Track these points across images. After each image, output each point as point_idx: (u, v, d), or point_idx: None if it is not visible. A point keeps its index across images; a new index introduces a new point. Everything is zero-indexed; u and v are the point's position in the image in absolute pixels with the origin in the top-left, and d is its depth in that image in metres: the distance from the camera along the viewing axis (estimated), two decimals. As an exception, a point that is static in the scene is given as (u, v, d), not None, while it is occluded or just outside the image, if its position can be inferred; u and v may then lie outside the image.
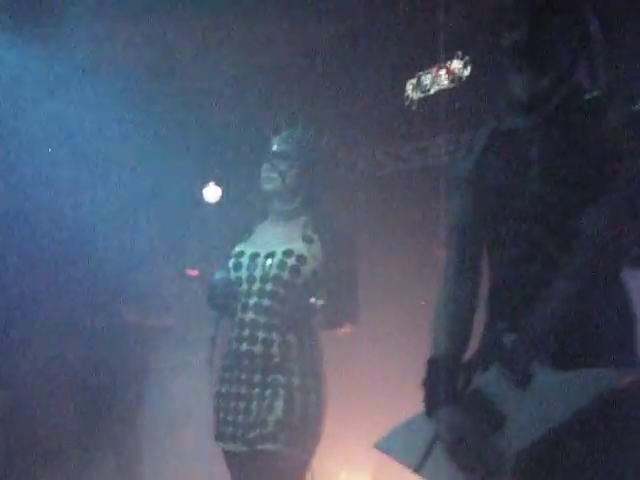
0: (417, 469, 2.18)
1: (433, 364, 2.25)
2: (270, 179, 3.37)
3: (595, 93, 2.13)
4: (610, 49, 2.20)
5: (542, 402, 1.98)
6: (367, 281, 3.42)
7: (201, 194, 5.99)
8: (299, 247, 3.26)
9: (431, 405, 2.20)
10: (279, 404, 3.12)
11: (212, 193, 5.96)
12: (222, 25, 4.63)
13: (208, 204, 6.01)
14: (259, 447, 3.11)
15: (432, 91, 5.42)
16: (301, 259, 3.24)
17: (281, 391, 3.14)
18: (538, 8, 2.06)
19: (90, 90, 4.77)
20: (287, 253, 3.25)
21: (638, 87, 1.99)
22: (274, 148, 3.40)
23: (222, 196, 5.91)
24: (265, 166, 3.40)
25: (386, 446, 2.31)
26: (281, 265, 3.23)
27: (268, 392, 3.15)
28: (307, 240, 3.27)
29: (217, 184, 5.90)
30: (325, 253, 3.26)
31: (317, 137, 3.44)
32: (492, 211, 2.20)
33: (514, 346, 2.05)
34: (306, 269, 3.24)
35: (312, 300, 3.18)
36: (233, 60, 5.08)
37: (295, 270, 3.22)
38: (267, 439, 3.10)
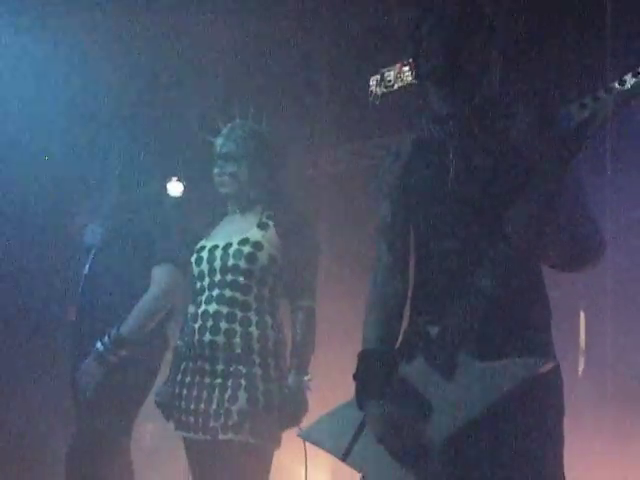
0: (344, 457, 2.27)
1: (364, 358, 2.35)
2: (223, 182, 3.38)
3: (505, 101, 2.34)
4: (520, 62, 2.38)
5: (466, 391, 2.09)
6: (328, 277, 3.46)
7: (165, 189, 6.00)
8: (254, 234, 3.29)
9: (362, 399, 2.29)
10: (242, 394, 3.14)
11: (175, 188, 5.97)
12: (186, 22, 4.63)
13: (171, 199, 6.02)
14: (222, 437, 3.13)
15: (395, 87, 5.46)
16: (257, 245, 3.27)
17: (243, 381, 3.16)
18: (449, 38, 2.28)
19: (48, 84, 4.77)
20: (243, 242, 3.28)
21: (548, 94, 2.12)
22: (219, 150, 3.39)
23: (184, 191, 5.92)
24: (215, 170, 3.40)
25: (311, 435, 2.39)
26: (237, 254, 3.26)
27: (230, 382, 3.17)
28: (262, 227, 3.31)
29: (179, 180, 5.92)
30: (280, 236, 3.29)
31: (259, 128, 3.43)
32: (418, 212, 2.37)
33: (439, 337, 2.17)
34: (262, 255, 3.27)
35: None
36: (198, 56, 5.08)
37: (251, 257, 3.26)
38: (231, 429, 3.12)
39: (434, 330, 2.20)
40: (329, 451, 2.31)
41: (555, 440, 2.22)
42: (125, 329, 3.48)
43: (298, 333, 3.29)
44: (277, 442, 3.23)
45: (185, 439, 3.30)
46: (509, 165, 2.19)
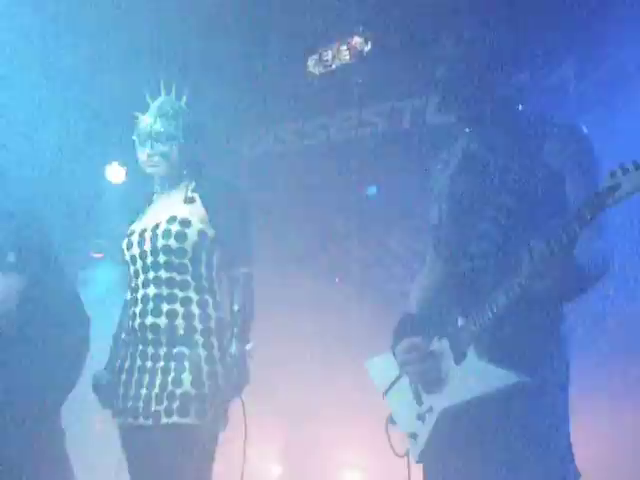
0: (384, 394, 2.80)
1: (403, 319, 2.79)
2: (154, 163, 3.30)
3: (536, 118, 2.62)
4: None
5: (465, 379, 2.55)
6: (274, 253, 3.44)
7: (103, 174, 5.90)
8: (181, 211, 3.23)
9: (395, 340, 2.73)
10: (186, 376, 3.09)
11: (115, 173, 5.86)
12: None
13: (112, 185, 5.91)
14: (166, 420, 3.07)
15: (334, 66, 5.48)
16: (184, 222, 3.20)
17: (186, 363, 3.12)
18: (464, 89, 2.60)
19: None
20: (170, 220, 3.22)
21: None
22: (149, 129, 3.31)
23: (126, 176, 5.81)
24: (146, 150, 3.32)
25: (370, 368, 2.91)
26: (166, 234, 3.20)
27: (173, 365, 3.12)
28: (188, 201, 3.25)
29: (120, 164, 5.79)
30: (207, 208, 3.24)
31: (184, 106, 3.39)
32: (460, 218, 2.69)
33: (463, 329, 2.58)
34: (191, 231, 3.20)
35: None
36: (129, 34, 5.01)
37: (180, 235, 3.19)
38: (176, 412, 3.06)
39: (461, 321, 2.59)
40: (376, 385, 2.84)
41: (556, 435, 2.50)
42: None
43: (237, 300, 3.23)
44: (223, 423, 3.17)
45: (121, 427, 3.21)
46: (541, 182, 2.49)
